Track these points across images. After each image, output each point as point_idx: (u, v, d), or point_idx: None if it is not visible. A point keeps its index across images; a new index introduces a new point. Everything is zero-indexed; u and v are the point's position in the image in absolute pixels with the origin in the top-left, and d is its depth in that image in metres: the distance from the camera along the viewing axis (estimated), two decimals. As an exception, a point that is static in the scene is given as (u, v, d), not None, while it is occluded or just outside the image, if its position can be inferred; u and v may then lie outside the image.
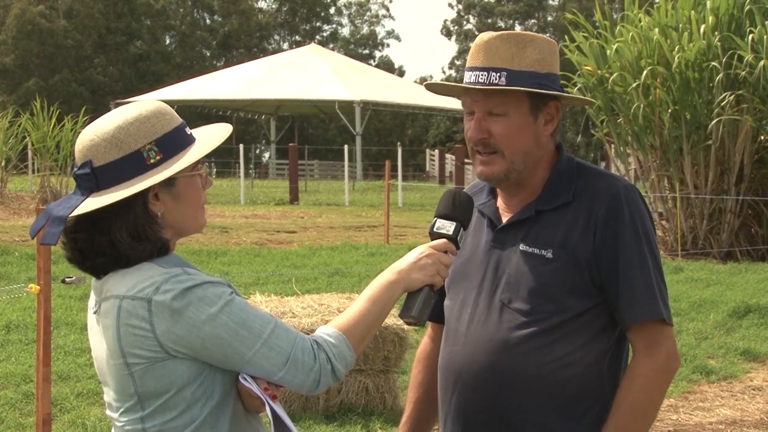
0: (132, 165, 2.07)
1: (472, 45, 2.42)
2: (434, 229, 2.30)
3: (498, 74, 2.33)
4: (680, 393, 7.56)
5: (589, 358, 2.33)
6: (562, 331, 2.33)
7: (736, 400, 7.46)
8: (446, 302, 2.51)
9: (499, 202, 2.49)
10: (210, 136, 2.20)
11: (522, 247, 2.38)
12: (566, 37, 16.47)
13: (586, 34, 15.91)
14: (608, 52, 15.56)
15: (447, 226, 2.29)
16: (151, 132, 2.10)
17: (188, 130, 2.18)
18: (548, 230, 2.38)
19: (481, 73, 2.35)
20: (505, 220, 2.45)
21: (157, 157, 2.09)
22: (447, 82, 2.49)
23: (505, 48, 2.35)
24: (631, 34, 15.45)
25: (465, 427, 2.41)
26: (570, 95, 2.46)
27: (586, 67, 15.70)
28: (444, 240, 2.28)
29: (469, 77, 2.38)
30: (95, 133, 2.10)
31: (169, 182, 2.10)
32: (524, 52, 2.36)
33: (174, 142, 2.12)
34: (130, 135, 2.08)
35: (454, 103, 35.03)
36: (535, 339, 2.33)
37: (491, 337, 2.36)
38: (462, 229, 2.31)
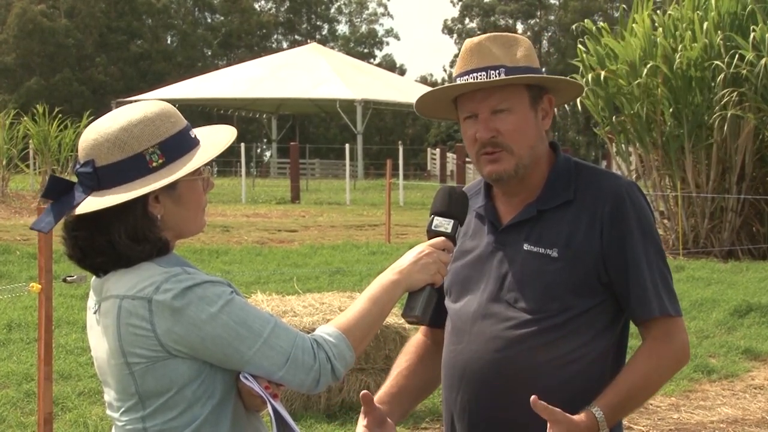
0: (134, 167, 2.06)
1: (461, 51, 2.44)
2: (432, 227, 2.31)
3: (496, 71, 2.36)
4: (681, 392, 7.55)
5: (592, 356, 2.35)
6: (566, 329, 2.35)
7: (738, 399, 7.46)
8: (450, 304, 2.52)
9: (498, 204, 2.50)
10: (214, 141, 2.18)
11: (526, 246, 2.39)
12: (573, 41, 16.44)
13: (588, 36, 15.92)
14: (610, 50, 15.56)
15: (445, 224, 2.30)
16: (155, 135, 2.08)
17: (192, 133, 2.16)
18: (551, 229, 2.39)
19: (479, 73, 2.37)
20: (505, 221, 2.46)
21: (160, 161, 2.08)
22: (448, 84, 2.45)
23: (496, 48, 2.39)
24: (633, 33, 15.44)
25: (470, 424, 2.42)
26: (563, 78, 2.48)
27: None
28: (442, 238, 2.29)
29: (465, 80, 2.38)
30: (98, 132, 2.09)
31: (171, 186, 2.09)
32: (513, 50, 2.40)
33: (177, 146, 2.10)
34: (133, 137, 2.07)
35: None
36: (540, 337, 2.34)
37: (496, 334, 2.38)
38: (459, 225, 2.32)
